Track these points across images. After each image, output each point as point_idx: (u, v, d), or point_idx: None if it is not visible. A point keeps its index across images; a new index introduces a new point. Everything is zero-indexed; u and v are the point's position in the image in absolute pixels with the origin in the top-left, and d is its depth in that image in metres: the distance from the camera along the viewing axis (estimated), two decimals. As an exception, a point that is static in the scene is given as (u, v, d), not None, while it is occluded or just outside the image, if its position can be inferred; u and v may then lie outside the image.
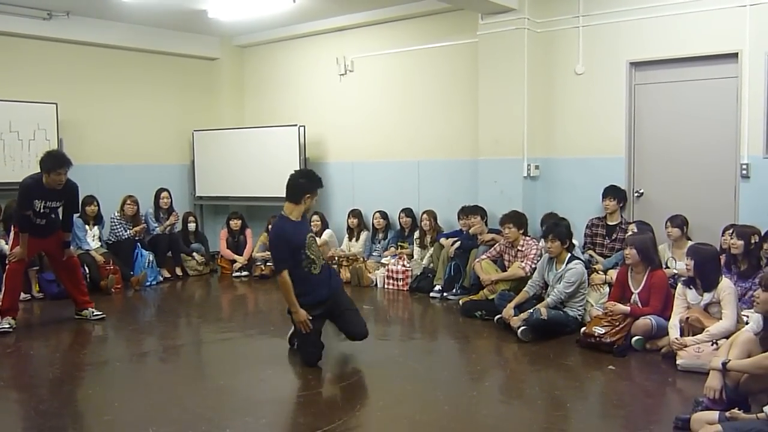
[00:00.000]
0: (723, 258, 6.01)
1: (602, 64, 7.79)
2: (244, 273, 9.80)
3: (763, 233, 6.09)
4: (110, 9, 8.94)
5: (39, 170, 6.65)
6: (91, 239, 8.96)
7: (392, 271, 8.65)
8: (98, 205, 9.05)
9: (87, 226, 8.94)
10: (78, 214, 7.18)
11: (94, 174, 9.44)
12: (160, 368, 5.88)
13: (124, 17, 9.51)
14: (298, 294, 5.44)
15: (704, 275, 5.43)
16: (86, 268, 8.29)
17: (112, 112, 10.04)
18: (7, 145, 8.80)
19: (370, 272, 8.90)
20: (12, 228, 6.90)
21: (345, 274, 8.96)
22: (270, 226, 5.24)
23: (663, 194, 7.61)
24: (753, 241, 5.95)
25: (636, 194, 7.80)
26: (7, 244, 7.97)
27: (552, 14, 8.03)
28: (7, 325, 6.66)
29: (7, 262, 6.95)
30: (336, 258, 9.20)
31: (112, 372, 5.67)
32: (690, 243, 6.42)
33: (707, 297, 5.43)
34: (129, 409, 4.68)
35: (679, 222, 6.85)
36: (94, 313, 7.21)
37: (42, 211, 6.72)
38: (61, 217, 7.03)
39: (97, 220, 9.10)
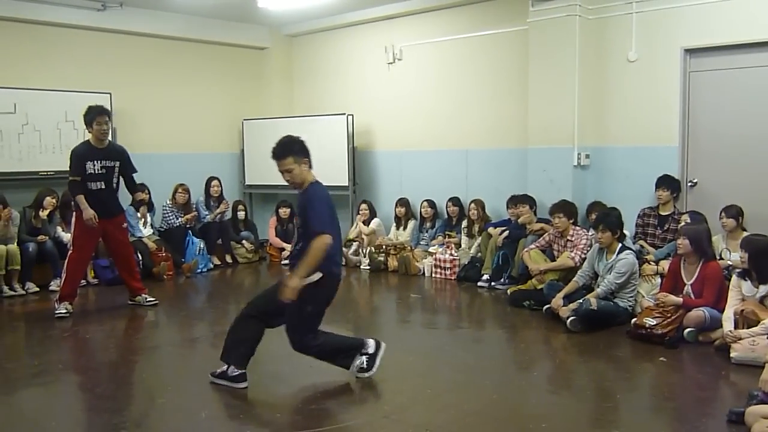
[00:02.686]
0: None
1: (656, 51, 7.63)
2: (293, 261, 9.88)
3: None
4: (162, 0, 9.06)
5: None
6: (143, 227, 9.14)
7: (440, 260, 8.64)
8: (149, 193, 9.21)
9: (139, 214, 9.11)
10: (136, 173, 7.20)
11: (146, 162, 9.52)
12: (211, 354, 5.92)
13: (175, 8, 9.64)
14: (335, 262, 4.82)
15: (759, 267, 5.34)
16: (139, 255, 8.44)
17: (165, 101, 10.21)
18: (63, 134, 8.99)
19: (417, 261, 8.90)
20: (74, 215, 6.98)
21: (393, 262, 9.01)
22: (307, 193, 4.63)
23: (718, 184, 7.44)
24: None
25: (689, 184, 7.64)
26: (64, 231, 8.19)
27: (604, 0, 7.90)
28: (64, 310, 6.86)
29: (68, 248, 7.08)
30: (384, 247, 9.23)
31: (164, 356, 5.81)
32: (745, 234, 6.29)
33: (763, 289, 5.33)
34: (182, 392, 4.78)
35: (734, 212, 6.67)
36: (147, 299, 7.36)
37: (98, 172, 6.84)
38: (117, 189, 7.10)
39: (149, 207, 9.26)
